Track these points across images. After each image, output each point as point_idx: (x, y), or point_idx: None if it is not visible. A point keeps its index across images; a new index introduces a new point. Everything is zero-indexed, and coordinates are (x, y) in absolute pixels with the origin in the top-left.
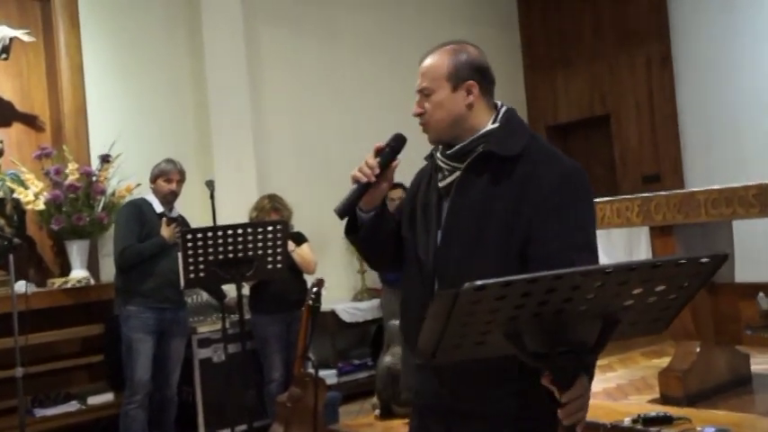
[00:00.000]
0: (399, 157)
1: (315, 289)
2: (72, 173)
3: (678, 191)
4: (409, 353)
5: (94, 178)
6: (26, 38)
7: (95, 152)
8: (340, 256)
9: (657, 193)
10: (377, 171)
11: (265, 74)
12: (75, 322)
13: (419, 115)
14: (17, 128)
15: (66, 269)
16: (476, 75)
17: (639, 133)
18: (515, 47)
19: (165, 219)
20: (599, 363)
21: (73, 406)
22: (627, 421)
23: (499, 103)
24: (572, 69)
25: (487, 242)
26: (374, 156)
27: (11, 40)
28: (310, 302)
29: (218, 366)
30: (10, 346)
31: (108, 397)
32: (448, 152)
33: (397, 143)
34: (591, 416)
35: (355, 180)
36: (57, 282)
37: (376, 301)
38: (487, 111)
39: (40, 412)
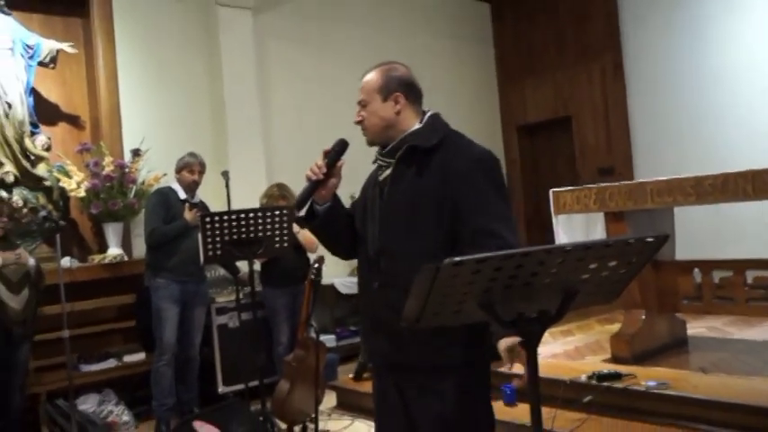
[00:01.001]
0: (343, 158)
1: (316, 265)
2: (108, 165)
3: (629, 182)
4: (365, 321)
5: (127, 170)
6: (70, 50)
7: (128, 147)
8: None
9: (611, 183)
10: (324, 170)
11: (272, 82)
12: (111, 292)
13: (359, 122)
14: (62, 127)
15: (103, 247)
16: (402, 88)
17: (596, 132)
18: (490, 59)
19: (187, 204)
20: (561, 328)
21: (111, 363)
22: (583, 378)
23: (427, 110)
24: (539, 78)
25: (421, 221)
26: (323, 158)
27: (57, 51)
28: (312, 277)
29: (233, 331)
30: (57, 312)
31: (140, 356)
32: (383, 151)
33: (341, 147)
34: (553, 373)
35: (308, 178)
36: (96, 258)
37: None
38: (415, 116)
39: (85, 368)
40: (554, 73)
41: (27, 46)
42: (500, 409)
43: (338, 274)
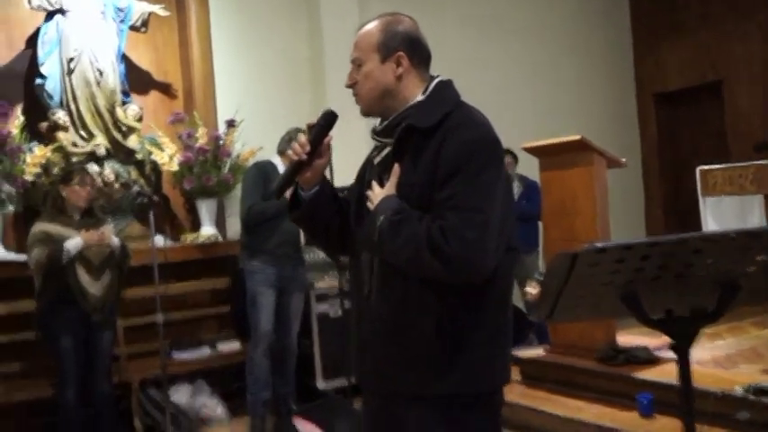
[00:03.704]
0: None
1: None
2: (201, 136)
3: None
4: (352, 335)
5: (221, 142)
6: (162, 12)
7: (222, 117)
8: None
9: None
10: (307, 148)
11: None
12: (204, 275)
13: (351, 86)
14: (153, 96)
15: (196, 225)
16: (406, 46)
17: (751, 100)
18: (623, 15)
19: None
20: (708, 330)
21: (205, 351)
22: (738, 390)
23: (436, 75)
24: (680, 37)
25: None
26: (307, 133)
27: (149, 14)
28: None
29: (334, 321)
30: (148, 294)
31: (235, 345)
32: (377, 128)
33: (327, 120)
34: (699, 383)
35: (290, 159)
36: (189, 237)
37: None
38: (419, 83)
39: (178, 355)
40: (698, 32)
41: (118, 9)
42: (635, 422)
43: None
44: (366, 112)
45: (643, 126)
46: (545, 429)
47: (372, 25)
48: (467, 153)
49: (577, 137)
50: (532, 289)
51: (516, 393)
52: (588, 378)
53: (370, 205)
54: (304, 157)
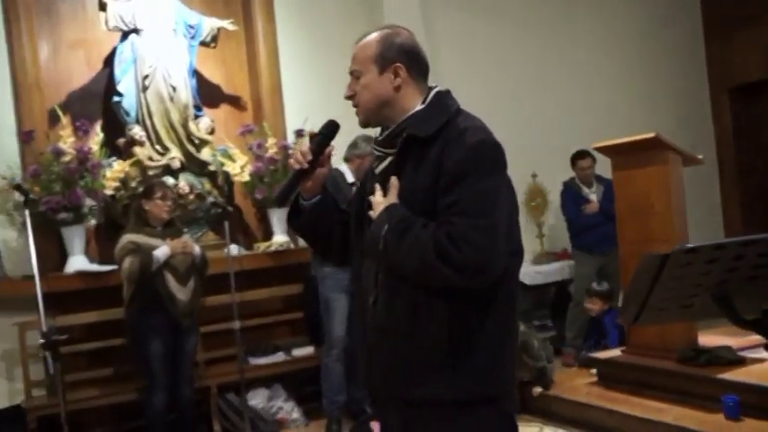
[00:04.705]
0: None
1: None
2: (271, 147)
3: None
4: (358, 347)
5: (291, 151)
6: (231, 27)
7: (290, 127)
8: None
9: None
10: (309, 157)
11: (442, 55)
12: (277, 282)
13: (350, 98)
14: (224, 108)
15: (268, 234)
16: (404, 57)
17: None
18: (695, 6)
19: (355, 188)
20: None
21: (280, 357)
22: None
23: (434, 85)
24: (754, 26)
25: None
26: (309, 142)
27: (218, 30)
28: None
29: None
30: (225, 302)
31: (309, 350)
32: (378, 138)
33: (329, 130)
34: None
35: (291, 167)
36: (261, 245)
37: (555, 265)
38: (418, 93)
39: (254, 361)
40: None
41: (189, 26)
42: (721, 424)
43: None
44: (364, 123)
45: (717, 121)
46: (622, 430)
47: (370, 38)
48: (469, 159)
49: (651, 134)
50: (593, 305)
51: (593, 394)
52: (668, 379)
53: (373, 214)
54: (306, 165)
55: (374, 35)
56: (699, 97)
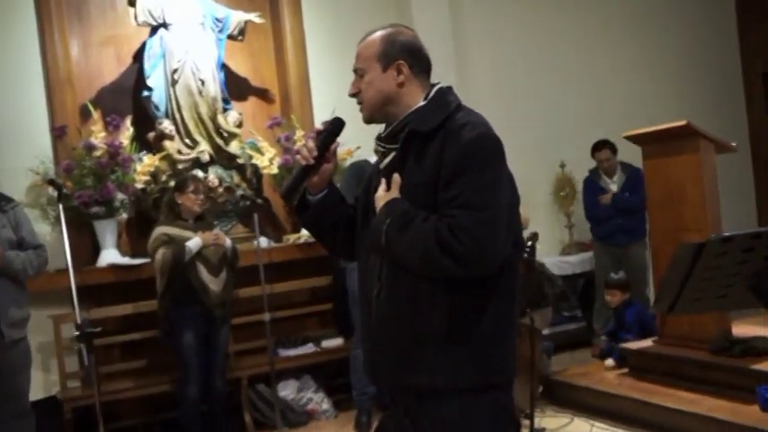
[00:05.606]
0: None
1: (529, 242)
2: (299, 139)
3: None
4: (363, 338)
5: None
6: (258, 20)
7: (318, 120)
8: (547, 212)
9: None
10: (315, 153)
11: (469, 49)
12: (306, 274)
13: (354, 95)
14: (252, 101)
15: (296, 226)
16: (406, 55)
17: None
18: None
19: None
20: None
21: (309, 348)
22: None
23: (437, 82)
24: None
25: None
26: (315, 139)
27: (245, 23)
28: (526, 255)
29: None
30: (255, 294)
31: (338, 341)
32: (382, 134)
33: (335, 126)
34: None
35: (298, 163)
36: (290, 238)
37: (584, 255)
38: (420, 90)
39: (284, 352)
40: None
41: (216, 19)
42: (756, 416)
43: (548, 252)
44: (368, 120)
45: (751, 108)
46: (654, 421)
47: (374, 36)
48: (470, 152)
49: (683, 122)
50: (612, 296)
51: (624, 385)
52: (701, 370)
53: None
54: (311, 161)
55: (378, 34)
56: (731, 81)
